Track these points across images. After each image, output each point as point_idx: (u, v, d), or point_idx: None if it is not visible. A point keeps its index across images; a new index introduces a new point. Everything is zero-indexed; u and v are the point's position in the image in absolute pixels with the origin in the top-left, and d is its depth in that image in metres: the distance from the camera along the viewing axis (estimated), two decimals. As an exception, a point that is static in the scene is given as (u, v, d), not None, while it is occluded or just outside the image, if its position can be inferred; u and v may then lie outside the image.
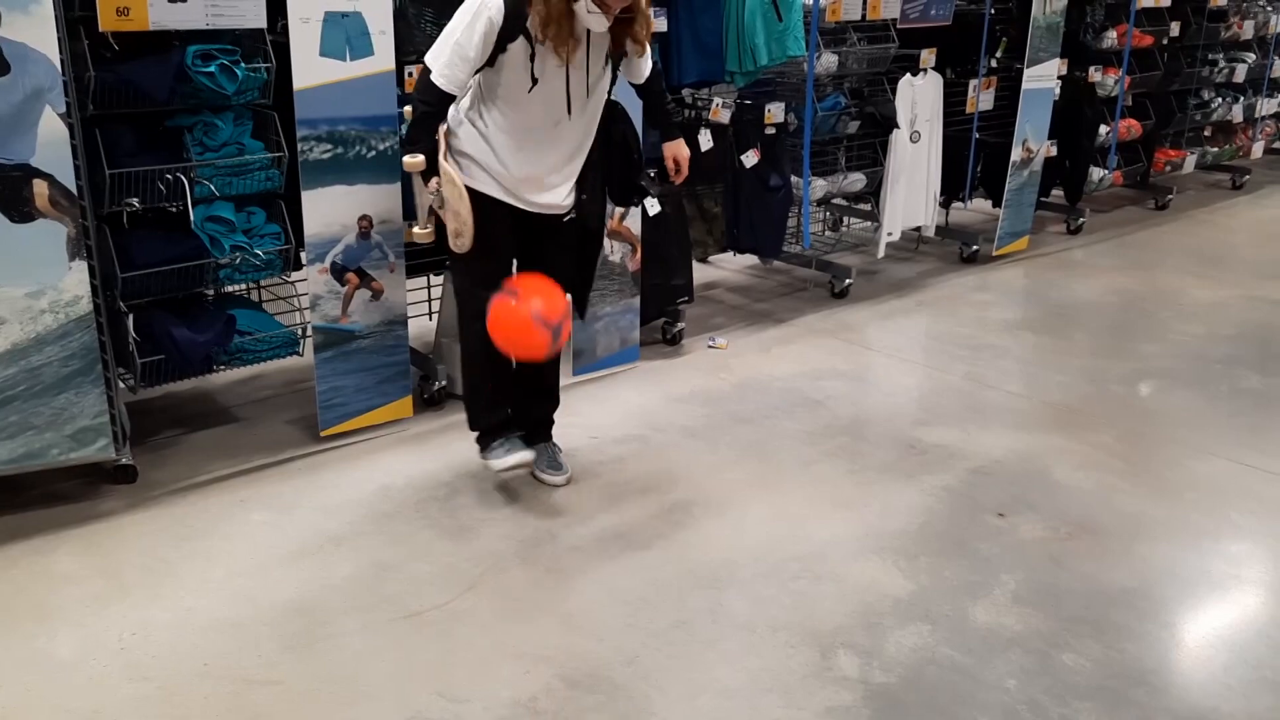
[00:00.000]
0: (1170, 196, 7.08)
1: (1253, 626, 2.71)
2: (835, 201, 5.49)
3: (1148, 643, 2.61)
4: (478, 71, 2.90)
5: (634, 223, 4.14)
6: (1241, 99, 7.40)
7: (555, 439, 3.43)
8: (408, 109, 3.08)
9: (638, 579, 2.85)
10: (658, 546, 3.01)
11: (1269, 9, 7.32)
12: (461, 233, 2.96)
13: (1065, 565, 2.94)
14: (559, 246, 3.18)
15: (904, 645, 2.59)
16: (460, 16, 2.84)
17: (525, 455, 3.23)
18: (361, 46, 3.31)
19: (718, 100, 4.68)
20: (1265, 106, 7.63)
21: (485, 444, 3.27)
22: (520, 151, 2.98)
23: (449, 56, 2.84)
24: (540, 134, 2.97)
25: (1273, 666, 2.54)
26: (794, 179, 4.88)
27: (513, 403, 3.30)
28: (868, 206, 5.44)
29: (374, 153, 3.39)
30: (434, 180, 2.94)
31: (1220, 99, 7.29)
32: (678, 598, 2.77)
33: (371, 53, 3.32)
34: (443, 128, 3.01)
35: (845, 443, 3.68)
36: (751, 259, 5.51)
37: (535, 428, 3.38)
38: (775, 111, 4.68)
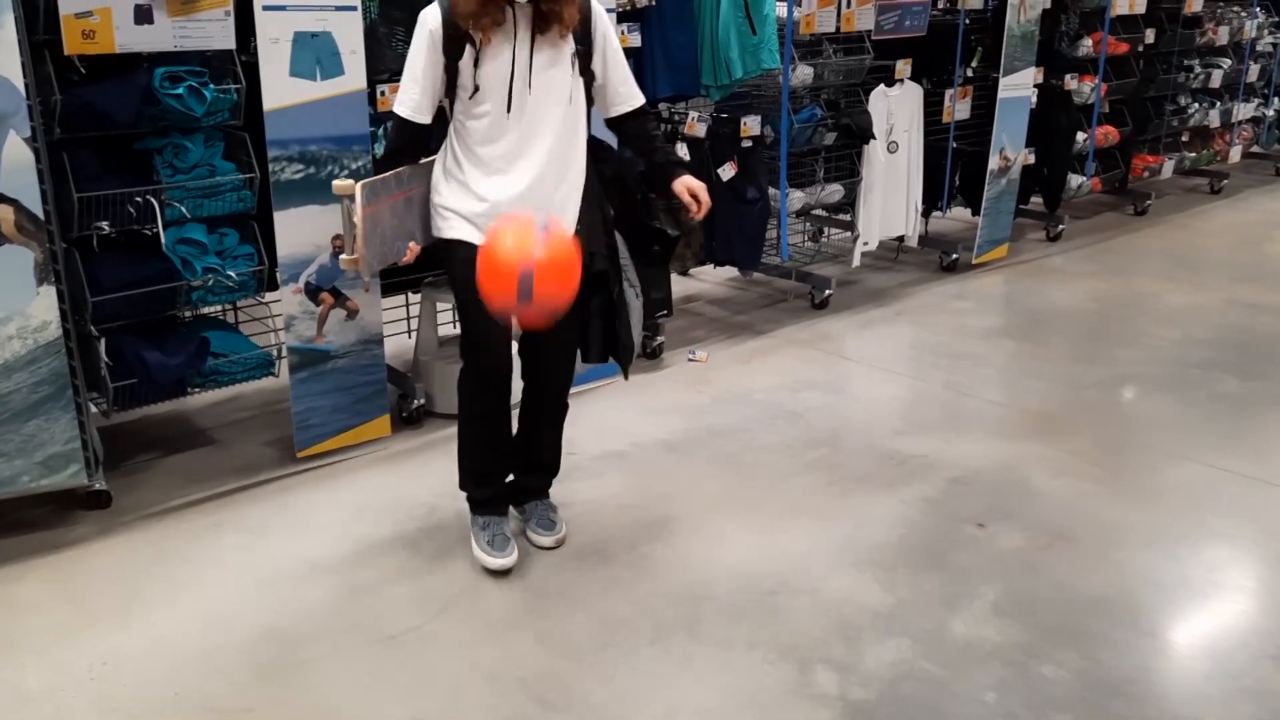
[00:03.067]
0: (1149, 202, 7.11)
1: (1233, 634, 2.71)
2: (815, 212, 5.49)
3: (1126, 652, 2.60)
4: (445, 104, 2.80)
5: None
6: (1218, 104, 7.45)
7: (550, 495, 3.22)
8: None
9: (614, 597, 2.83)
10: (635, 563, 2.99)
11: (1243, 15, 7.37)
12: (356, 251, 2.77)
13: (1043, 575, 2.94)
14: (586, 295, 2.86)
15: (883, 660, 2.58)
16: (410, 51, 2.78)
17: (509, 561, 2.94)
18: (332, 66, 3.30)
19: (693, 114, 4.69)
20: (1241, 111, 7.67)
21: (474, 510, 3.04)
22: (488, 178, 2.77)
23: (407, 85, 2.78)
24: (500, 147, 2.76)
25: (1253, 675, 2.53)
26: (771, 191, 4.88)
27: (510, 473, 3.10)
28: (847, 217, 5.44)
29: (346, 172, 3.38)
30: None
31: (1197, 104, 7.33)
32: (654, 615, 2.75)
33: (342, 72, 3.31)
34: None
35: (824, 454, 3.67)
36: (731, 271, 5.50)
37: (530, 494, 3.18)
38: (751, 124, 4.69)
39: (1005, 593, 2.85)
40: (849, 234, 5.42)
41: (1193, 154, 7.51)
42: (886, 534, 3.15)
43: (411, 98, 2.77)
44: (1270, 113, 8.06)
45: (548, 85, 2.75)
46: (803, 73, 4.81)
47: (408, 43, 3.58)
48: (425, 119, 2.80)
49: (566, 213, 2.83)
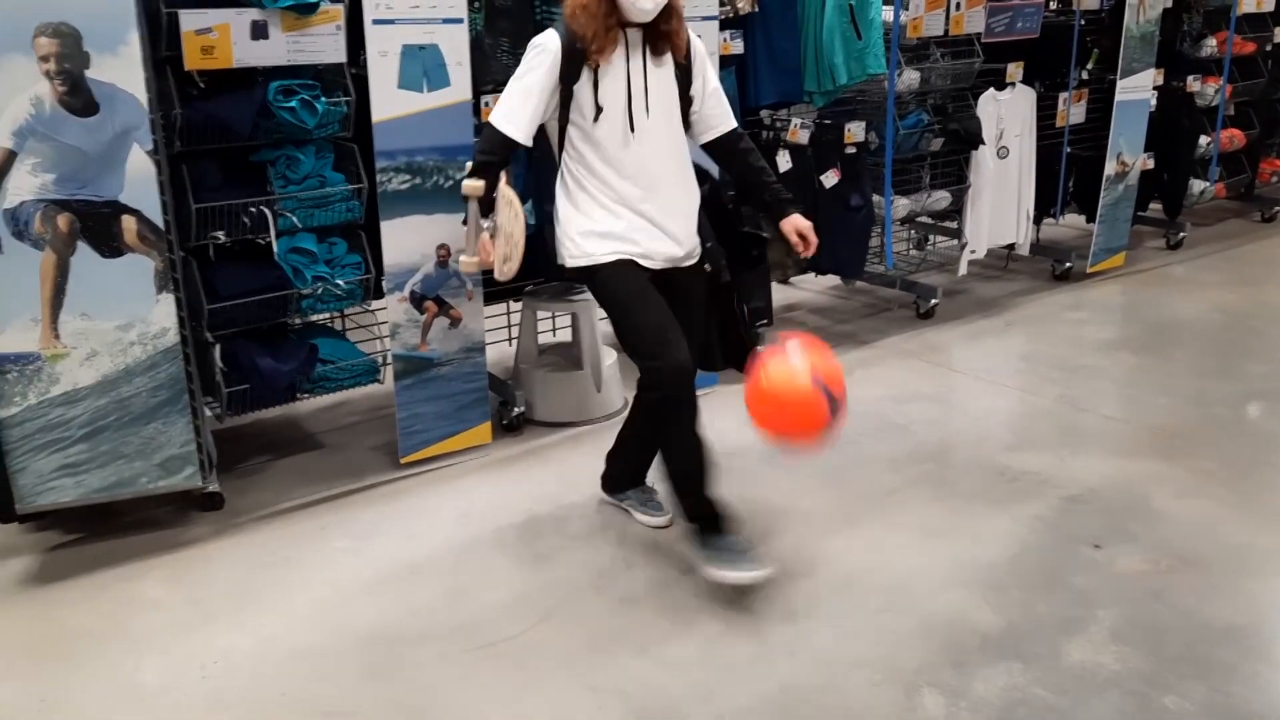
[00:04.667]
0: (1277, 209, 6.77)
1: (1374, 668, 2.54)
2: (921, 220, 5.37)
3: (1257, 685, 2.46)
4: (557, 125, 2.84)
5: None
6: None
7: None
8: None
9: (715, 612, 2.79)
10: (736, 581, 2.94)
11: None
12: (510, 257, 2.83)
13: (1166, 600, 2.80)
14: (694, 303, 2.98)
15: (993, 685, 2.48)
16: (520, 69, 2.81)
17: (762, 569, 2.84)
18: (438, 78, 3.34)
19: (796, 121, 4.62)
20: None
21: (707, 531, 2.89)
22: (618, 200, 2.83)
23: (511, 99, 2.79)
24: (622, 165, 2.82)
25: (1398, 713, 2.37)
26: (876, 198, 4.79)
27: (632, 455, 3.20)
28: (954, 224, 5.31)
29: (451, 182, 3.42)
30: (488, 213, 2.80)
31: (1330, 105, 6.96)
32: (755, 631, 2.70)
33: (448, 84, 3.36)
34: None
35: (931, 469, 3.57)
36: (834, 280, 5.41)
37: (636, 473, 3.27)
38: (855, 130, 4.61)
39: (1125, 618, 2.72)
40: (956, 242, 5.28)
41: (1326, 157, 7.13)
42: (998, 553, 3.04)
43: (517, 115, 2.78)
44: None
45: (661, 106, 2.84)
46: (909, 78, 4.71)
47: (513, 54, 3.66)
48: (524, 140, 2.81)
49: (689, 226, 2.94)
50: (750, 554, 2.85)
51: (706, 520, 2.90)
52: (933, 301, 5.08)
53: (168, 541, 3.17)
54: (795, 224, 3.00)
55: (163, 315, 3.01)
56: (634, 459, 3.22)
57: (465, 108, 3.41)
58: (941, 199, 5.06)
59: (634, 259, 2.85)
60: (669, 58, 2.83)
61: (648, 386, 2.87)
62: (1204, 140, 6.08)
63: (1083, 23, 5.24)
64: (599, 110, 2.77)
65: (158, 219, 2.95)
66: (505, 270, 2.84)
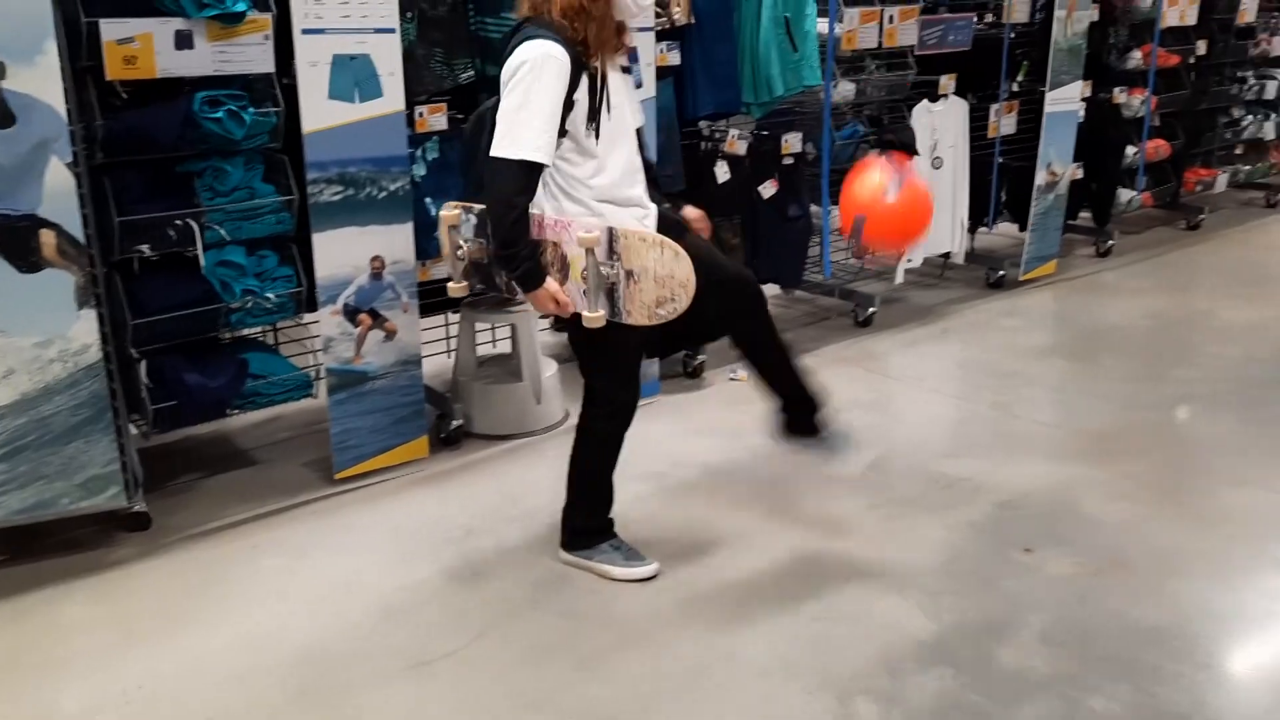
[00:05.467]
0: (1202, 216, 6.94)
1: (1296, 667, 2.60)
2: (858, 229, 5.42)
3: (1181, 685, 2.50)
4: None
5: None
6: (1273, 116, 7.27)
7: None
8: (470, 249, 2.83)
9: (653, 622, 2.78)
10: (674, 588, 2.94)
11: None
12: (677, 294, 2.56)
13: (1094, 603, 2.84)
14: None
15: (926, 691, 2.50)
16: (523, 88, 2.55)
17: (653, 568, 2.99)
18: (370, 88, 3.31)
19: (733, 132, 4.64)
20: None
21: (598, 540, 3.02)
22: (608, 202, 2.74)
23: (539, 126, 2.55)
24: (614, 173, 2.74)
25: (1316, 709, 2.43)
26: (813, 208, 4.83)
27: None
28: (891, 234, 5.36)
29: (385, 193, 3.38)
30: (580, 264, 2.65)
31: (1251, 117, 7.16)
32: (693, 642, 2.70)
33: (381, 94, 3.32)
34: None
35: (869, 476, 3.60)
36: (774, 289, 5.44)
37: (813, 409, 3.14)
38: (792, 141, 4.64)
39: (1055, 621, 2.76)
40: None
41: (1247, 167, 7.34)
42: (932, 559, 3.07)
43: (542, 138, 2.57)
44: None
45: (630, 106, 2.85)
46: (844, 89, 4.76)
47: (446, 63, 3.64)
48: (551, 161, 2.65)
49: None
50: (638, 553, 3.01)
51: (601, 531, 3.04)
52: (870, 310, 5.13)
53: (91, 563, 3.09)
54: (693, 211, 3.06)
55: (84, 331, 2.93)
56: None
57: (398, 118, 3.38)
58: (877, 209, 5.11)
59: None
60: (627, 52, 2.86)
61: (603, 418, 2.94)
62: (1130, 150, 6.22)
63: (1013, 36, 5.33)
64: (598, 117, 2.66)
65: (78, 233, 2.88)
66: (669, 311, 2.61)
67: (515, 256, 2.63)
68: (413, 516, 3.35)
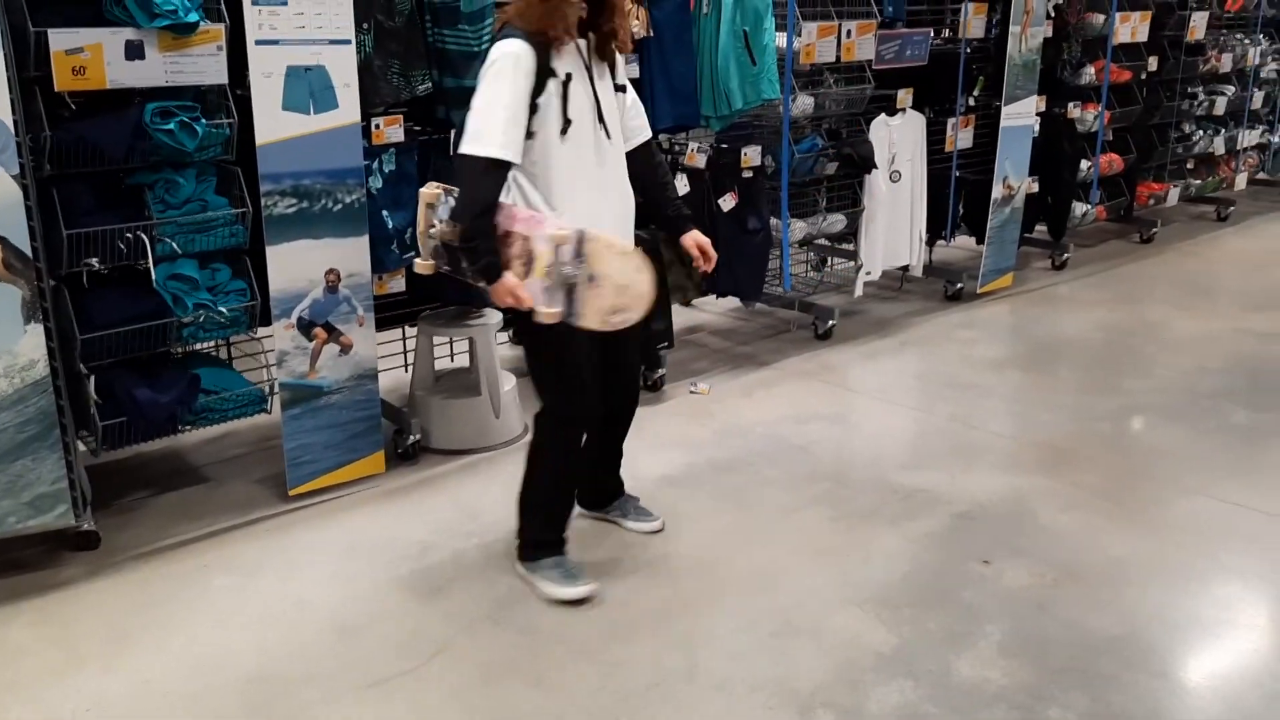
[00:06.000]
0: (1155, 230, 7.06)
1: (1246, 675, 2.62)
2: (819, 242, 5.46)
3: (1137, 693, 2.52)
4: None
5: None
6: (1223, 131, 7.41)
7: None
8: (442, 229, 2.75)
9: (612, 638, 2.76)
10: (633, 603, 2.92)
11: (1246, 42, 7.35)
12: (630, 306, 2.64)
13: (1051, 613, 2.86)
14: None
15: (886, 703, 2.50)
16: (491, 86, 2.59)
17: (584, 590, 2.93)
18: (325, 100, 3.27)
19: (693, 145, 4.65)
20: (1247, 138, 7.63)
21: (545, 554, 2.99)
22: (588, 219, 2.67)
23: (503, 123, 2.57)
24: (588, 180, 2.73)
25: (1267, 716, 2.45)
26: (773, 221, 4.85)
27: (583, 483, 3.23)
28: (851, 246, 5.40)
29: (340, 206, 3.35)
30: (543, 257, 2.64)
31: (1201, 131, 7.29)
32: (653, 657, 2.68)
33: (336, 106, 3.29)
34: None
35: (828, 489, 3.61)
36: (734, 302, 5.46)
37: (614, 494, 3.35)
38: (751, 155, 4.66)
39: (1012, 632, 2.77)
40: (853, 264, 5.38)
41: (1198, 181, 7.47)
42: (891, 571, 3.08)
43: (508, 136, 2.58)
44: (1275, 139, 8.01)
45: (614, 113, 2.80)
46: (803, 103, 4.79)
47: (403, 75, 3.61)
48: (519, 159, 2.64)
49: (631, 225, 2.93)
50: (580, 573, 2.97)
51: (550, 545, 3.00)
52: (830, 323, 5.15)
53: (38, 584, 3.01)
54: (696, 239, 3.00)
55: (30, 347, 2.87)
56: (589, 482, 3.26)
57: (354, 130, 3.35)
58: (837, 222, 5.15)
59: None
60: (606, 65, 2.78)
61: (559, 426, 2.91)
62: (1085, 164, 6.30)
63: (969, 51, 5.39)
64: (567, 123, 2.65)
65: (25, 246, 2.82)
66: (621, 320, 2.67)
67: (477, 250, 2.63)
68: (368, 533, 3.31)
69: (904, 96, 5.16)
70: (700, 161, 4.63)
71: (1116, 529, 3.31)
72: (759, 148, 4.71)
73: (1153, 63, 6.53)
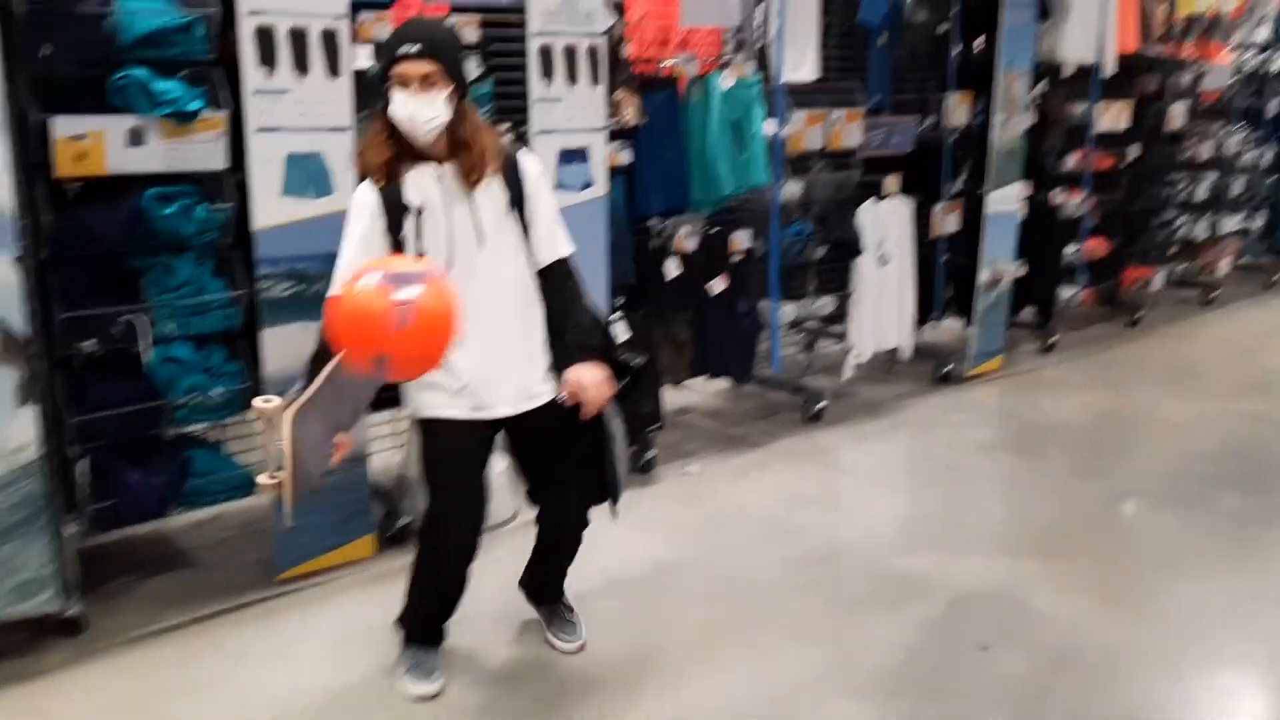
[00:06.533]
0: (1141, 313, 7.13)
1: (1248, 765, 2.59)
2: (809, 324, 5.50)
3: (1139, 787, 2.49)
4: None
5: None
6: (1206, 216, 7.55)
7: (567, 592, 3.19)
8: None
9: (603, 728, 2.72)
10: (623, 694, 2.88)
11: (1224, 130, 7.52)
12: (285, 494, 2.37)
13: (1050, 702, 2.83)
14: (562, 442, 2.81)
15: (883, 796, 2.46)
16: (345, 229, 2.67)
17: (437, 686, 2.87)
18: (323, 185, 3.32)
19: (683, 229, 4.71)
20: (1228, 223, 7.77)
21: (410, 642, 2.95)
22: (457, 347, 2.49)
23: (342, 262, 2.62)
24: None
25: (1271, 810, 2.42)
26: (762, 303, 4.89)
27: (527, 568, 3.16)
28: (840, 329, 5.45)
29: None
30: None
31: (1185, 217, 7.43)
32: (645, 748, 2.64)
33: (332, 191, 3.34)
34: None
35: (821, 574, 3.58)
36: (724, 383, 5.48)
37: (545, 595, 3.19)
38: (740, 239, 4.72)
39: (1010, 722, 2.74)
40: (842, 346, 5.42)
41: (1183, 266, 7.58)
42: (886, 659, 3.04)
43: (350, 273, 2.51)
44: (1256, 225, 8.16)
45: (494, 236, 2.65)
46: (791, 188, 4.87)
47: (400, 162, 3.66)
48: None
49: (530, 365, 2.74)
50: (439, 672, 2.90)
51: (428, 637, 2.95)
52: (820, 404, 5.17)
53: (20, 671, 2.95)
54: (576, 378, 2.64)
55: (21, 430, 2.86)
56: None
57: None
58: (826, 304, 5.20)
59: (461, 418, 2.70)
60: (495, 180, 2.64)
61: (428, 530, 2.88)
62: (1071, 249, 6.40)
63: (954, 139, 5.51)
64: (420, 255, 2.59)
65: (22, 329, 2.83)
66: (283, 502, 2.43)
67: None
68: (356, 619, 3.27)
69: (891, 182, 5.26)
70: (690, 245, 4.68)
71: (1112, 615, 3.29)
72: (748, 232, 4.77)
73: (1135, 150, 6.68)
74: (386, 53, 2.58)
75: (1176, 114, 6.88)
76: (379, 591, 3.46)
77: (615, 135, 4.26)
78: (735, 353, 4.90)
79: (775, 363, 5.00)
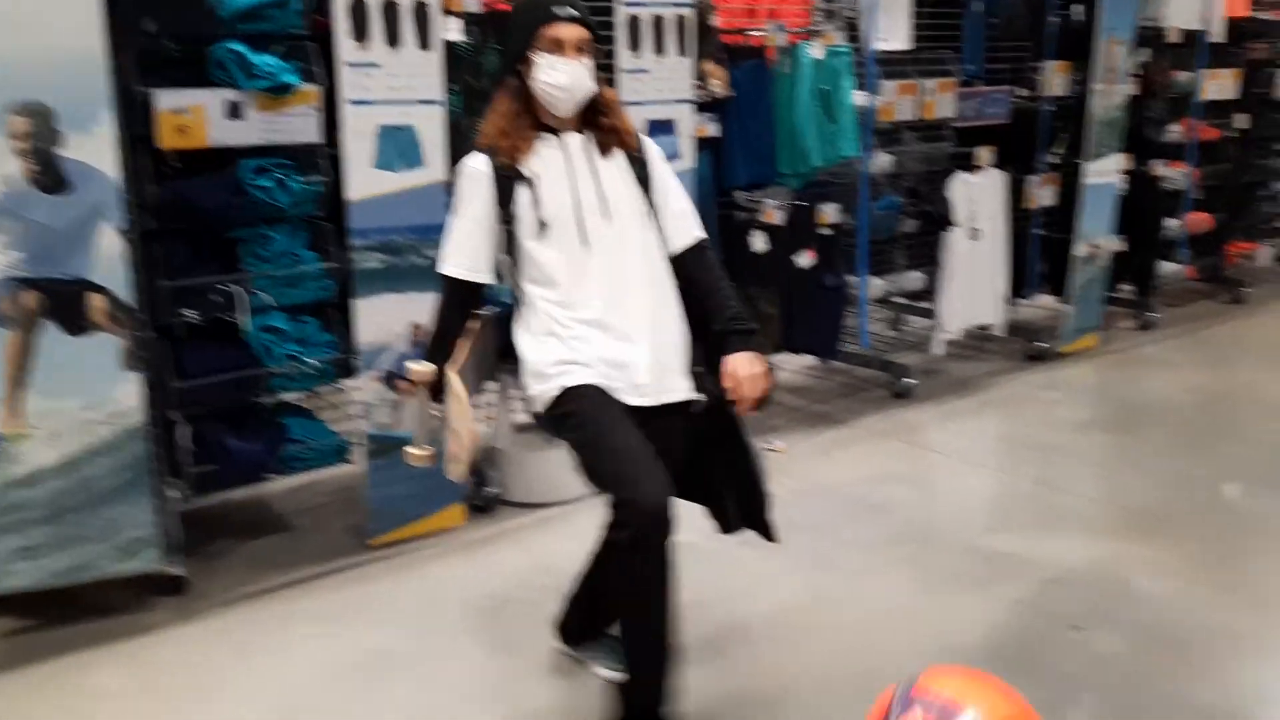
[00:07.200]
0: (1246, 290, 6.86)
1: (1360, 755, 2.49)
2: (896, 300, 5.41)
3: (1243, 773, 2.41)
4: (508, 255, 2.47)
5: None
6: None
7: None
8: None
9: (692, 699, 2.71)
10: (714, 665, 2.88)
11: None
12: (459, 457, 2.47)
13: (1147, 683, 2.75)
14: (706, 446, 2.53)
15: (974, 773, 2.41)
16: (454, 197, 2.53)
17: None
18: (414, 158, 3.36)
19: (770, 202, 4.66)
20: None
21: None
22: (580, 322, 2.41)
23: (454, 241, 2.48)
24: (580, 280, 2.42)
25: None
26: (851, 278, 4.82)
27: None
28: (929, 305, 5.35)
29: (426, 261, 3.41)
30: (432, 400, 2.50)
31: (1291, 190, 7.12)
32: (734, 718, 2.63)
33: (423, 164, 3.37)
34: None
35: (910, 551, 3.53)
36: (809, 359, 5.42)
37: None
38: (829, 212, 4.65)
39: (1106, 702, 2.67)
40: (931, 322, 5.32)
41: (1291, 241, 7.28)
42: (978, 636, 2.99)
43: (466, 254, 2.46)
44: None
45: (624, 208, 2.46)
46: (882, 160, 4.78)
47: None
48: (486, 277, 2.49)
49: (668, 348, 2.47)
50: None
51: (648, 715, 2.46)
52: (908, 381, 5.09)
53: (126, 627, 3.07)
54: (736, 367, 2.39)
55: (128, 395, 2.96)
56: (591, 610, 2.77)
57: (440, 188, 3.43)
58: (915, 279, 5.10)
59: (604, 384, 2.39)
60: (621, 155, 2.50)
61: (617, 524, 2.29)
62: (1172, 223, 6.18)
63: (1052, 109, 5.35)
64: (543, 225, 2.40)
65: (127, 298, 2.92)
66: (454, 471, 2.53)
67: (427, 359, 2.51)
68: (447, 586, 3.32)
69: (984, 154, 5.13)
70: (778, 219, 4.63)
71: (1214, 598, 3.19)
72: (837, 205, 4.70)
73: (1243, 120, 6.41)
74: (530, 17, 2.41)
75: (1286, 81, 6.58)
76: (468, 559, 3.52)
77: (702, 107, 4.23)
78: (822, 328, 4.84)
79: (863, 339, 4.93)
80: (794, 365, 5.58)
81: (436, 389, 2.49)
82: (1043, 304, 6.08)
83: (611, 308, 2.41)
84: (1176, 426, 4.78)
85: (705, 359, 2.51)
